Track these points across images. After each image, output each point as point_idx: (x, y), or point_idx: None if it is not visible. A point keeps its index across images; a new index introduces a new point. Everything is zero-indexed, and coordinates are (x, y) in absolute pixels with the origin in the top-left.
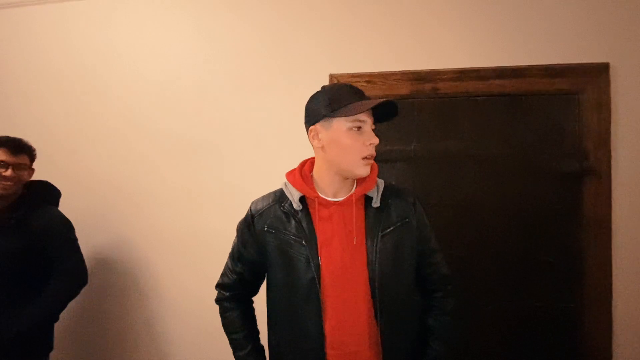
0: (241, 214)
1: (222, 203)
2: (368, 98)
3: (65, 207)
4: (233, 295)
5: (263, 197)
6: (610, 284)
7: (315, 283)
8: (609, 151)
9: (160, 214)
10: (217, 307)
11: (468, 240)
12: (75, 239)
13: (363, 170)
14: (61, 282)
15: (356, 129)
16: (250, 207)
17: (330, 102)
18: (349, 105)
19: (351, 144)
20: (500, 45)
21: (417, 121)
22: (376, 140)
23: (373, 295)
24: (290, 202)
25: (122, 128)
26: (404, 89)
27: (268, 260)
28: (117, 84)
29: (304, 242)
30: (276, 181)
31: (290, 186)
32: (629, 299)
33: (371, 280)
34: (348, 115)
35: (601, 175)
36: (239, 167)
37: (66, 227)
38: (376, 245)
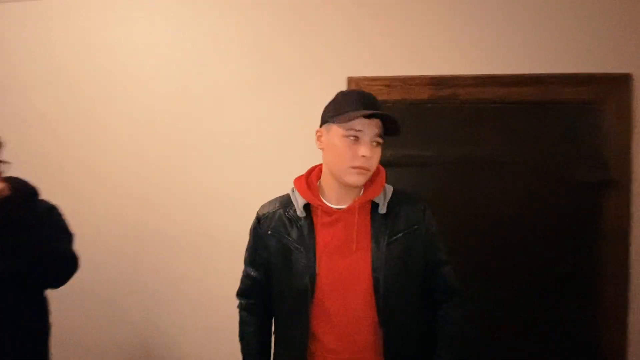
0: (251, 215)
1: (234, 203)
2: (377, 108)
3: (69, 204)
4: (250, 305)
5: (270, 202)
6: (627, 297)
7: (307, 292)
8: (629, 162)
9: (171, 214)
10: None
11: (485, 249)
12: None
13: (352, 178)
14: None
15: (352, 138)
16: (258, 210)
17: (334, 107)
18: (347, 112)
19: (342, 151)
20: (521, 52)
21: (435, 126)
22: (367, 153)
23: (377, 304)
24: (295, 208)
25: (131, 127)
26: (423, 94)
27: (271, 263)
28: (128, 84)
29: (302, 250)
30: (288, 184)
31: (296, 192)
32: None
33: (375, 288)
34: (341, 122)
35: (620, 186)
36: (251, 169)
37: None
38: (382, 253)
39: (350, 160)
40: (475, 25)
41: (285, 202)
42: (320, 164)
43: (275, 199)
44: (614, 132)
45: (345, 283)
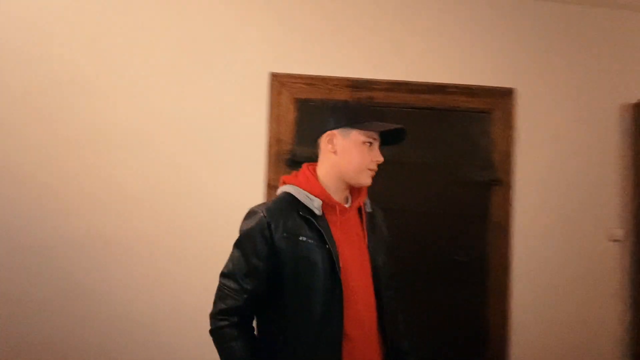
0: (169, 211)
1: (147, 201)
2: (383, 121)
3: None
4: (242, 322)
5: (273, 204)
6: (509, 279)
7: (336, 290)
8: (512, 164)
9: (88, 214)
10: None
11: (398, 242)
12: None
13: (368, 179)
14: None
15: (368, 144)
16: (261, 213)
17: (354, 114)
18: (371, 122)
19: (362, 156)
20: (430, 62)
21: None
22: (381, 159)
23: (375, 286)
24: (306, 207)
25: (41, 122)
26: (342, 95)
27: (284, 268)
28: (41, 77)
29: (326, 248)
30: (205, 179)
31: (305, 192)
32: (524, 292)
33: (374, 273)
34: (367, 130)
35: (505, 185)
36: (166, 163)
37: None
38: (375, 246)
39: (367, 164)
40: (391, 34)
41: (291, 202)
42: (311, 166)
43: (274, 202)
44: (500, 138)
45: (360, 273)
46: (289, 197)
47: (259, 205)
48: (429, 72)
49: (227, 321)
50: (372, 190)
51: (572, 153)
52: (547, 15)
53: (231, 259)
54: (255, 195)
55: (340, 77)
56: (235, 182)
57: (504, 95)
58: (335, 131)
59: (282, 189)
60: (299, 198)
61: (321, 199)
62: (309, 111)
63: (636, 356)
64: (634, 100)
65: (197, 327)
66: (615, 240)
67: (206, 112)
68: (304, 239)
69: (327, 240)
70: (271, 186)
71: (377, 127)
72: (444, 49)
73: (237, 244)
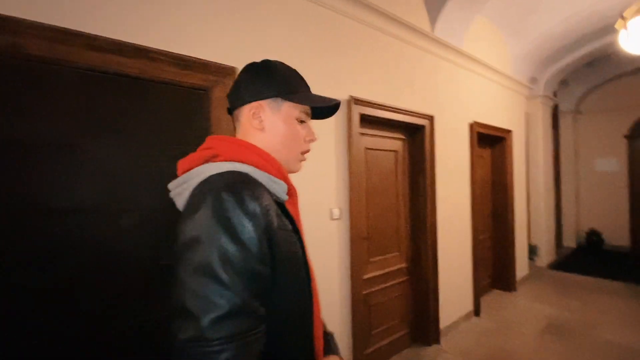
0: None
1: None
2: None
3: None
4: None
5: (252, 185)
6: None
7: (310, 279)
8: None
9: None
10: None
11: (87, 250)
12: None
13: (298, 166)
14: None
15: (302, 122)
16: (256, 198)
17: (286, 82)
18: (308, 93)
19: (295, 135)
20: (126, 17)
21: None
22: (316, 138)
23: None
24: (272, 192)
25: None
26: None
27: (278, 266)
28: None
29: (300, 240)
30: None
31: (266, 174)
32: None
33: None
34: (303, 104)
35: None
36: None
37: None
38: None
39: (300, 145)
40: None
41: (258, 185)
42: (243, 144)
43: (250, 181)
44: (224, 122)
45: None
46: (246, 178)
47: (244, 186)
48: (122, 28)
49: (232, 344)
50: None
51: None
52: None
53: (221, 264)
54: None
55: None
56: None
57: (226, 74)
58: (262, 103)
59: (226, 166)
60: (262, 181)
61: (284, 182)
62: None
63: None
64: (346, 97)
65: None
66: (334, 219)
67: None
68: (287, 229)
69: (299, 229)
70: None
71: (318, 102)
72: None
73: (243, 240)
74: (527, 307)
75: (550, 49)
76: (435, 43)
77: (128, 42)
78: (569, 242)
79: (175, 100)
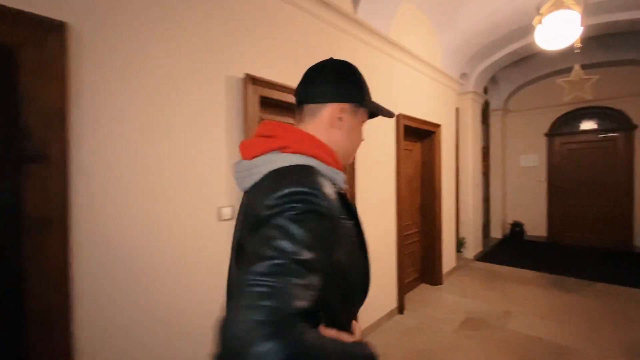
0: None
1: None
2: None
3: None
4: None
5: (319, 176)
6: (69, 293)
7: (367, 259)
8: (64, 131)
9: None
10: None
11: None
12: None
13: (351, 160)
14: None
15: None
16: (325, 190)
17: (366, 89)
18: (375, 102)
19: (360, 136)
20: None
21: None
22: (364, 138)
23: None
24: (335, 183)
25: None
26: None
27: (342, 253)
28: None
29: (360, 228)
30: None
31: (327, 166)
32: (89, 314)
33: None
34: (377, 113)
35: (52, 162)
36: None
37: None
38: None
39: (359, 144)
40: None
41: (322, 176)
42: (309, 137)
43: (314, 174)
44: (43, 92)
45: None
46: (313, 170)
47: (313, 178)
48: None
49: (299, 329)
50: None
51: (167, 123)
52: None
53: (294, 244)
54: None
55: None
56: None
57: (47, 30)
58: (347, 105)
59: (293, 159)
60: (327, 174)
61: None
62: None
63: None
64: (241, 75)
65: None
66: (224, 220)
67: None
68: (348, 218)
69: (358, 218)
70: None
71: (385, 112)
72: None
73: (314, 228)
74: (450, 302)
75: (478, 44)
76: (357, 25)
77: None
78: (496, 233)
79: None
